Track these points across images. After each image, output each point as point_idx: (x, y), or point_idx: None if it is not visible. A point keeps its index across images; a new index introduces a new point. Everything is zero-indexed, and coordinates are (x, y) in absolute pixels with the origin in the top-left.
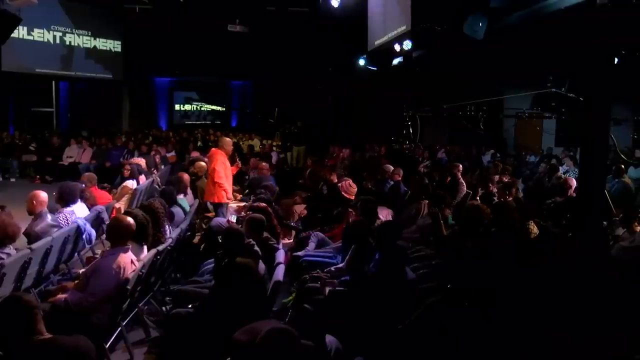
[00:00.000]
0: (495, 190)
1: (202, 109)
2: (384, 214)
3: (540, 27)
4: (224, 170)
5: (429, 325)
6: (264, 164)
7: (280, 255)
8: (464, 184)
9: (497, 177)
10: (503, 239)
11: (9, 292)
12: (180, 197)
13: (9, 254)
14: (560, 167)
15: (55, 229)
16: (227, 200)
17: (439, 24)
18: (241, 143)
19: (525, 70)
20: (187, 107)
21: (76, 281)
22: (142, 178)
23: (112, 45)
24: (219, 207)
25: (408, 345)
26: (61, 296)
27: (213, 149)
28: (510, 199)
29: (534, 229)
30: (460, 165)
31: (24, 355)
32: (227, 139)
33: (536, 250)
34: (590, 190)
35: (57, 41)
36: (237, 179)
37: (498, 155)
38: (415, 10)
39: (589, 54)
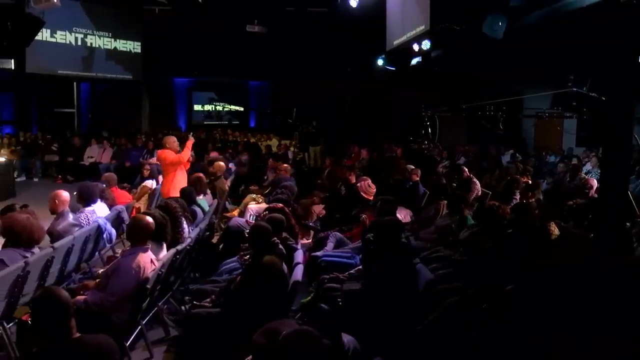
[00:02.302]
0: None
1: (225, 108)
2: (403, 215)
3: (560, 25)
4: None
5: (447, 326)
6: (284, 165)
7: (299, 255)
8: (477, 182)
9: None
10: (523, 240)
11: (32, 290)
12: (200, 197)
13: (33, 253)
14: (582, 167)
15: (77, 228)
16: None
17: (458, 24)
18: (260, 143)
19: (545, 69)
20: (207, 107)
21: (97, 280)
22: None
23: (132, 46)
24: None
25: (426, 345)
26: (80, 297)
27: (158, 151)
28: (533, 200)
29: (555, 230)
30: (465, 168)
31: (58, 355)
32: (171, 137)
33: (557, 252)
34: (612, 191)
35: (79, 43)
36: (257, 180)
37: (518, 155)
38: (434, 9)
39: (610, 52)
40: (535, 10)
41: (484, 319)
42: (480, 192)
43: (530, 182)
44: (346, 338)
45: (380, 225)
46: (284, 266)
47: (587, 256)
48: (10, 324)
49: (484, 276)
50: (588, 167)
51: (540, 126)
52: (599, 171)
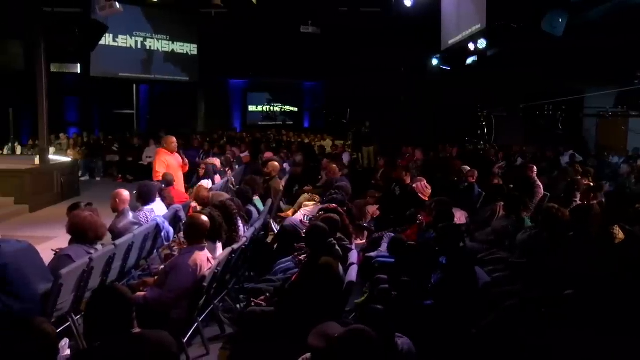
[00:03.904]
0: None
1: (282, 109)
2: (458, 216)
3: (625, 20)
4: (165, 169)
5: (503, 330)
6: (332, 165)
7: (353, 256)
8: (541, 185)
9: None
10: (584, 243)
11: (96, 285)
12: (256, 197)
13: (96, 250)
14: None
15: (136, 227)
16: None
17: (515, 21)
18: (313, 144)
19: (608, 67)
20: (261, 108)
21: (155, 277)
22: (217, 178)
23: (189, 48)
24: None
25: (482, 348)
26: (140, 294)
27: (158, 148)
28: (595, 202)
29: (619, 234)
30: (535, 167)
31: (120, 349)
32: (170, 137)
33: (622, 256)
34: None
35: (139, 46)
36: (311, 180)
37: (577, 156)
38: (490, 8)
39: None
40: (597, 5)
41: (542, 323)
42: (541, 196)
43: (591, 184)
44: (400, 339)
45: (441, 231)
46: (340, 267)
47: None
48: (78, 317)
49: (542, 279)
50: None
51: (602, 126)
52: None
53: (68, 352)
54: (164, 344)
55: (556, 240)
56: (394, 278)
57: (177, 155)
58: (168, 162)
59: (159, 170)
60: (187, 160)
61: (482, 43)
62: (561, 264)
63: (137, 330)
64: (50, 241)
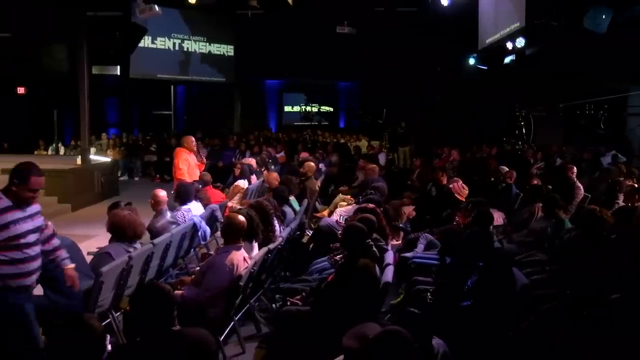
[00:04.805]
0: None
1: (320, 109)
2: (495, 217)
3: None
4: (187, 168)
5: (541, 333)
6: (370, 165)
7: (389, 257)
8: (581, 186)
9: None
10: (627, 246)
11: (135, 283)
12: (291, 197)
13: (135, 248)
14: None
15: (174, 226)
16: None
17: (555, 19)
18: (349, 144)
19: None
20: (297, 108)
21: (193, 276)
22: (253, 178)
23: (226, 49)
24: None
25: (519, 352)
26: (177, 292)
27: (177, 148)
28: (639, 204)
29: None
30: (574, 167)
31: (159, 344)
32: (189, 136)
33: None
34: None
35: (176, 47)
36: (346, 180)
37: (620, 156)
38: (530, 5)
39: None
40: None
41: (584, 328)
42: (581, 197)
43: (636, 185)
44: (436, 341)
45: (468, 237)
46: (376, 268)
47: None
48: (118, 314)
49: (582, 283)
50: None
51: None
52: None
53: (109, 347)
54: (203, 341)
55: (598, 242)
56: (440, 276)
57: (193, 155)
58: (187, 159)
59: (182, 167)
60: (204, 159)
61: (520, 42)
62: (603, 267)
63: (177, 327)
64: (91, 239)
